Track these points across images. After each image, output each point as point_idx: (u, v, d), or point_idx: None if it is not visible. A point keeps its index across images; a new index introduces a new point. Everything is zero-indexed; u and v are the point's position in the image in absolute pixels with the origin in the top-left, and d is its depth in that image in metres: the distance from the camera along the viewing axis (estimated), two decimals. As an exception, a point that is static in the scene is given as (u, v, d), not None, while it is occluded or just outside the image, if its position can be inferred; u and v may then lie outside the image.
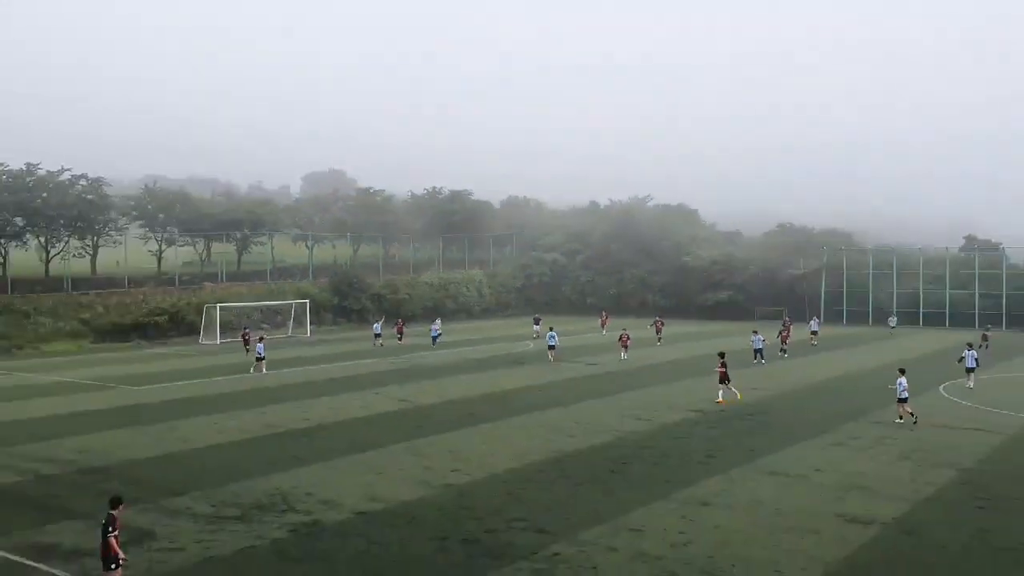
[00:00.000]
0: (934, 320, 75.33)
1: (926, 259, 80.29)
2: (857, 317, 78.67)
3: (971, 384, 37.25)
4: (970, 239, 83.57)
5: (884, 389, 37.41)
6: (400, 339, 58.48)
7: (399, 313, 77.27)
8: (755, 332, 48.84)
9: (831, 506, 19.82)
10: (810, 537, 17.64)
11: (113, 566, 13.72)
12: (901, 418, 29.36)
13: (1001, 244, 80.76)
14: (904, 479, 22.20)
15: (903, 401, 29.45)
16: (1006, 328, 71.47)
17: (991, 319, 73.05)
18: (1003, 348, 55.39)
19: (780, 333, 53.20)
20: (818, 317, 68.38)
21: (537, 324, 64.77)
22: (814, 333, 58.56)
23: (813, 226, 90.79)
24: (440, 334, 59.26)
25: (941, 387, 38.27)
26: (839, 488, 21.37)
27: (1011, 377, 42.34)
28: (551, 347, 48.06)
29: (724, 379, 34.23)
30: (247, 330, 56.00)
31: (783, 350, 50.96)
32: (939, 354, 52.34)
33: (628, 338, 49.97)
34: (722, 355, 34.95)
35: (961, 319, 74.21)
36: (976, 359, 38.21)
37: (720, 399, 33.71)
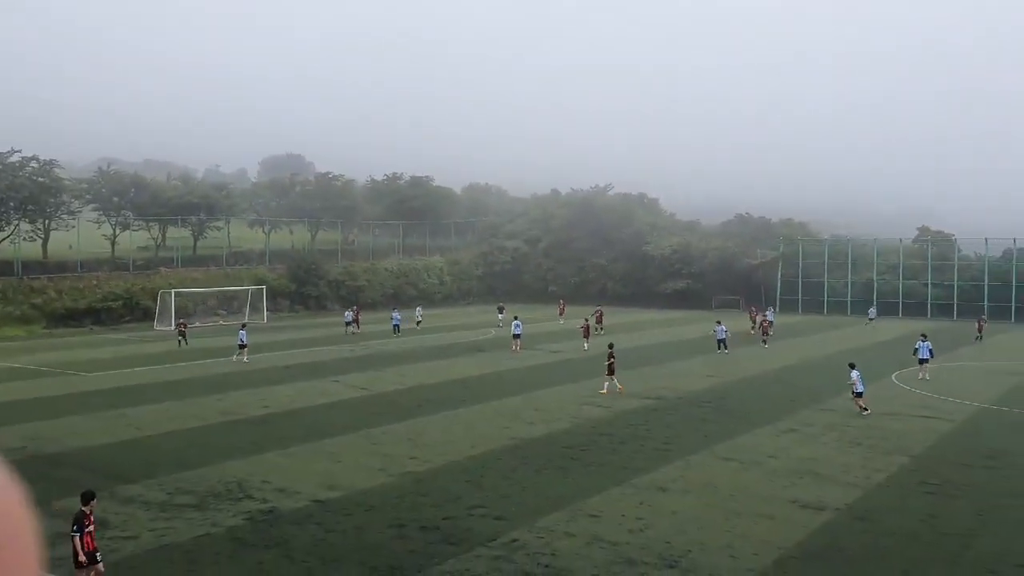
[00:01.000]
0: (887, 310, 76.51)
1: (880, 249, 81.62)
2: (812, 306, 79.74)
3: (925, 375, 37.33)
4: (923, 230, 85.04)
5: (837, 377, 38.00)
6: (357, 328, 57.63)
7: (357, 300, 76.92)
8: (719, 323, 48.57)
9: (784, 492, 20.12)
10: (764, 522, 17.89)
11: (82, 564, 13.36)
12: (866, 410, 29.06)
13: (953, 235, 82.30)
14: (855, 465, 22.59)
15: (859, 395, 29.43)
16: (956, 318, 72.90)
17: (943, 309, 74.56)
18: (953, 337, 56.51)
19: (761, 324, 53.40)
20: (773, 307, 69.28)
21: (501, 313, 64.70)
22: (769, 323, 58.97)
23: (770, 216, 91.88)
24: (420, 320, 61.42)
25: (893, 375, 38.96)
26: (792, 474, 21.70)
27: (960, 366, 43.22)
28: (516, 336, 47.38)
29: (611, 371, 33.28)
30: (183, 322, 53.52)
31: (764, 340, 50.86)
32: (892, 343, 53.28)
33: (590, 327, 50.17)
34: (611, 346, 34.32)
35: (914, 309, 75.60)
36: (930, 350, 38.13)
37: (603, 390, 32.87)
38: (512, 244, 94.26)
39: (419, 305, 69.41)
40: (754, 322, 57.75)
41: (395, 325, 56.36)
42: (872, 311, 69.02)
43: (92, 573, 13.49)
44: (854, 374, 29.61)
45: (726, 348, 46.25)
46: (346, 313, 59.57)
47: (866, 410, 29.02)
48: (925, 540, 16.90)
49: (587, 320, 51.70)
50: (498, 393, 33.33)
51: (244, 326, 46.19)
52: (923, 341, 38.26)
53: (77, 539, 13.35)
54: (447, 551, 16.07)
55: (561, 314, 68.55)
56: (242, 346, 43.28)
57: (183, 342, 48.96)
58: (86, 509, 13.67)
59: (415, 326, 60.23)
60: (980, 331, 55.60)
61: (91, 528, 13.61)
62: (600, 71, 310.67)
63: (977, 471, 22.16)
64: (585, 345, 47.47)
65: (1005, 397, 33.56)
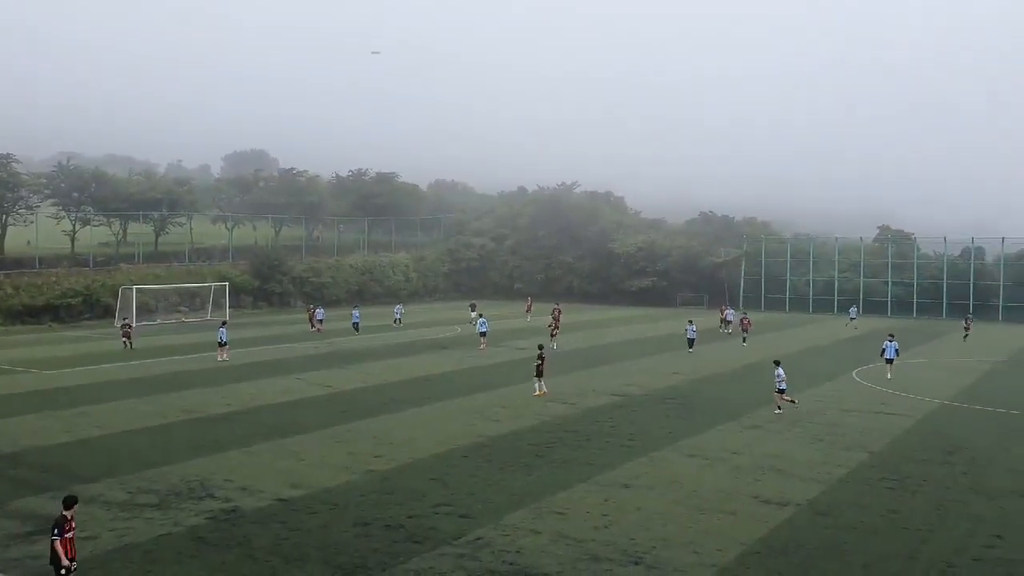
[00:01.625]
0: (848, 307, 77.39)
1: (841, 248, 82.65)
2: (774, 304, 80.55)
3: (890, 375, 37.42)
4: (884, 229, 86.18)
5: (800, 373, 38.44)
6: (311, 327, 56.38)
7: (322, 297, 76.40)
8: (690, 322, 48.45)
9: (747, 488, 20.30)
10: (727, 518, 18.03)
11: (63, 572, 12.94)
12: (780, 408, 29.31)
13: (913, 234, 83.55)
14: (817, 461, 22.85)
15: (781, 392, 29.51)
16: (916, 315, 74.01)
17: (903, 307, 75.63)
18: (913, 335, 57.33)
19: (741, 322, 53.40)
20: (731, 307, 68.98)
21: (473, 311, 64.21)
22: (728, 322, 58.96)
23: (734, 215, 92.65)
24: (400, 319, 61.03)
25: (854, 372, 39.45)
26: (755, 470, 21.89)
27: (920, 363, 43.85)
28: (482, 334, 47.31)
29: (540, 372, 32.38)
30: (127, 321, 49.99)
31: (744, 340, 51.03)
32: (852, 340, 53.99)
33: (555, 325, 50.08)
34: (541, 348, 33.51)
35: (874, 306, 76.62)
36: (896, 350, 38.32)
37: (537, 392, 32.01)
38: (478, 241, 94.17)
39: (399, 303, 68.60)
40: (723, 321, 58.17)
41: (354, 323, 55.38)
42: (853, 310, 68.14)
43: None
44: (779, 371, 29.66)
45: (691, 348, 46.13)
46: (317, 310, 58.49)
47: (792, 402, 29.65)
48: (885, 535, 17.12)
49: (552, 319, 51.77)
50: (464, 391, 33.28)
51: (224, 324, 44.58)
52: (890, 341, 38.52)
53: (57, 543, 12.93)
54: (412, 549, 16.01)
55: (528, 311, 68.50)
56: (222, 344, 42.23)
57: (129, 344, 45.96)
58: (67, 514, 13.22)
59: (395, 324, 59.91)
60: (967, 330, 55.88)
61: (71, 534, 13.20)
62: (565, 74, 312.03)
63: (936, 466, 22.51)
64: (554, 346, 46.77)
65: (963, 393, 34.11)
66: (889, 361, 37.94)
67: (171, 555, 15.68)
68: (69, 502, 13.49)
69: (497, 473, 21.44)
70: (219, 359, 41.61)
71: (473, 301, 70.71)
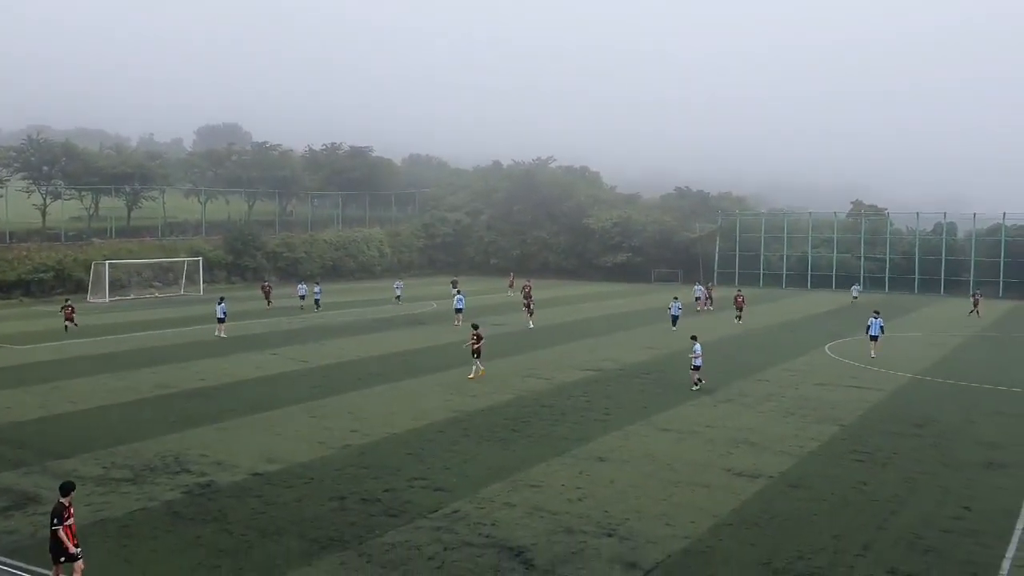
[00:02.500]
0: (821, 282, 78.21)
1: (815, 223, 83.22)
2: (748, 279, 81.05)
3: (874, 353, 36.63)
4: (857, 204, 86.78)
5: (774, 349, 38.84)
6: (268, 303, 54.32)
7: (297, 272, 76.01)
8: (675, 298, 46.98)
9: (721, 461, 20.54)
10: (700, 491, 18.25)
11: (63, 559, 12.60)
12: (700, 382, 29.13)
13: (886, 210, 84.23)
14: (789, 435, 23.14)
15: (697, 368, 29.19)
16: (888, 290, 74.78)
17: (875, 282, 76.37)
18: (885, 310, 57.81)
19: (735, 299, 51.09)
20: (703, 283, 67.56)
21: (455, 288, 63.60)
22: (698, 299, 58.17)
23: (709, 190, 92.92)
24: (400, 295, 58.42)
25: (826, 347, 39.87)
26: (728, 443, 22.14)
27: (891, 337, 44.32)
28: (458, 310, 46.92)
29: (477, 353, 31.08)
30: (69, 303, 44.84)
31: (738, 317, 49.32)
32: (825, 315, 54.54)
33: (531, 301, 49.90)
34: (476, 327, 31.90)
35: (847, 281, 77.28)
36: (881, 327, 37.39)
37: (472, 374, 30.64)
38: (453, 216, 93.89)
39: (398, 280, 66.27)
40: (710, 297, 58.01)
41: (315, 300, 53.85)
42: (856, 288, 65.79)
43: (75, 570, 12.65)
44: (696, 347, 29.34)
45: (674, 326, 44.80)
46: (299, 286, 57.69)
47: (701, 382, 29.14)
48: (855, 506, 17.40)
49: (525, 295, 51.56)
50: (440, 366, 33.32)
51: (222, 300, 43.23)
52: (875, 318, 37.70)
53: (61, 531, 12.56)
54: (388, 523, 16.09)
55: (511, 287, 68.29)
56: (221, 320, 41.58)
57: (70, 326, 42.44)
58: (65, 501, 12.87)
59: (395, 300, 58.60)
60: (976, 306, 54.67)
61: (71, 521, 12.83)
62: (541, 49, 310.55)
63: (905, 439, 22.86)
64: (530, 323, 46.64)
65: (933, 367, 34.58)
66: (874, 338, 37.10)
67: (147, 530, 15.67)
68: (67, 489, 13.12)
69: (473, 447, 21.55)
70: (216, 335, 40.96)
71: (455, 279, 70.16)
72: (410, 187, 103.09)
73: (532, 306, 48.41)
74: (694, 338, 30.08)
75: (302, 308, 53.53)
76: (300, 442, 21.85)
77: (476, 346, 31.06)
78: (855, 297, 63.89)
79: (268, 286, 57.45)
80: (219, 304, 42.33)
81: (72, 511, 13.02)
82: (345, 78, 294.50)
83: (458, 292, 49.94)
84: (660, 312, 53.64)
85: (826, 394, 28.78)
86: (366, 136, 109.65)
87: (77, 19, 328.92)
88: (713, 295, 58.51)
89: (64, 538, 12.59)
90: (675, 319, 45.47)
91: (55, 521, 12.66)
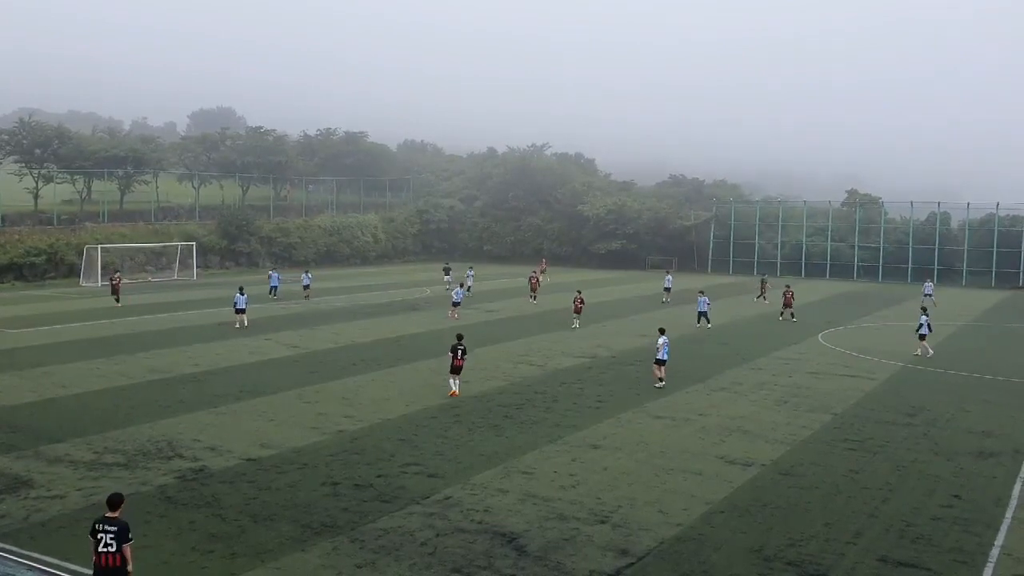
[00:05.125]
0: (815, 271, 78.39)
1: (810, 212, 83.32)
2: (743, 268, 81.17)
3: (920, 351, 34.82)
4: (852, 193, 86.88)
5: (768, 336, 38.90)
6: (117, 301, 46.84)
7: (291, 258, 75.86)
8: (701, 293, 43.77)
9: (713, 448, 20.60)
10: (693, 478, 18.31)
11: None
12: (662, 380, 27.54)
13: (881, 199, 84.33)
14: (781, 423, 23.21)
15: (661, 363, 27.66)
16: (882, 279, 74.97)
17: (869, 271, 76.57)
18: (878, 298, 58.12)
19: (785, 293, 46.54)
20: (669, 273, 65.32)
21: (447, 274, 63.44)
22: (668, 290, 55.05)
23: (703, 178, 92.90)
24: (470, 286, 52.24)
25: (820, 336, 39.96)
26: (721, 431, 22.20)
27: (885, 326, 44.50)
28: (455, 304, 44.64)
29: (456, 371, 26.07)
30: (118, 274, 46.65)
31: (788, 312, 45.49)
32: (818, 304, 54.61)
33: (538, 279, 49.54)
34: (460, 337, 26.67)
35: (841, 271, 77.53)
36: (930, 325, 35.55)
37: (451, 391, 25.93)
38: (448, 203, 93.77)
39: (470, 267, 61.52)
40: (765, 291, 54.48)
41: (272, 287, 51.41)
42: (929, 285, 57.31)
43: None
44: (661, 340, 27.89)
45: (708, 322, 41.83)
46: (304, 276, 53.47)
47: (661, 381, 27.52)
48: (847, 494, 17.47)
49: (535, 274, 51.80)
50: (433, 352, 33.30)
51: (242, 289, 40.68)
52: (924, 316, 35.89)
53: (127, 548, 11.28)
54: (381, 508, 16.11)
55: (543, 272, 68.12)
56: (239, 311, 39.27)
57: (118, 301, 44.28)
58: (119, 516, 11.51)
59: (466, 291, 51.29)
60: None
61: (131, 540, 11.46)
62: (533, 37, 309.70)
63: (897, 428, 22.94)
64: (532, 299, 45.79)
65: (925, 357, 34.65)
66: (922, 337, 34.96)
67: (140, 514, 15.65)
68: (115, 503, 11.63)
69: (466, 434, 21.58)
70: (237, 327, 38.79)
71: (447, 264, 69.88)
72: (405, 173, 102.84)
73: (580, 306, 41.79)
74: (662, 331, 28.69)
75: (307, 299, 51.31)
76: (293, 427, 21.85)
77: (459, 362, 26.00)
78: (928, 294, 54.61)
79: (118, 278, 48.66)
80: (240, 295, 39.80)
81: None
82: (341, 65, 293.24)
83: (461, 285, 47.83)
84: (654, 299, 53.83)
85: (819, 383, 28.86)
86: (361, 123, 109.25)
87: (69, 3, 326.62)
88: (767, 291, 54.24)
89: (128, 556, 11.36)
90: (702, 315, 41.98)
91: (128, 537, 11.32)
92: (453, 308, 44.53)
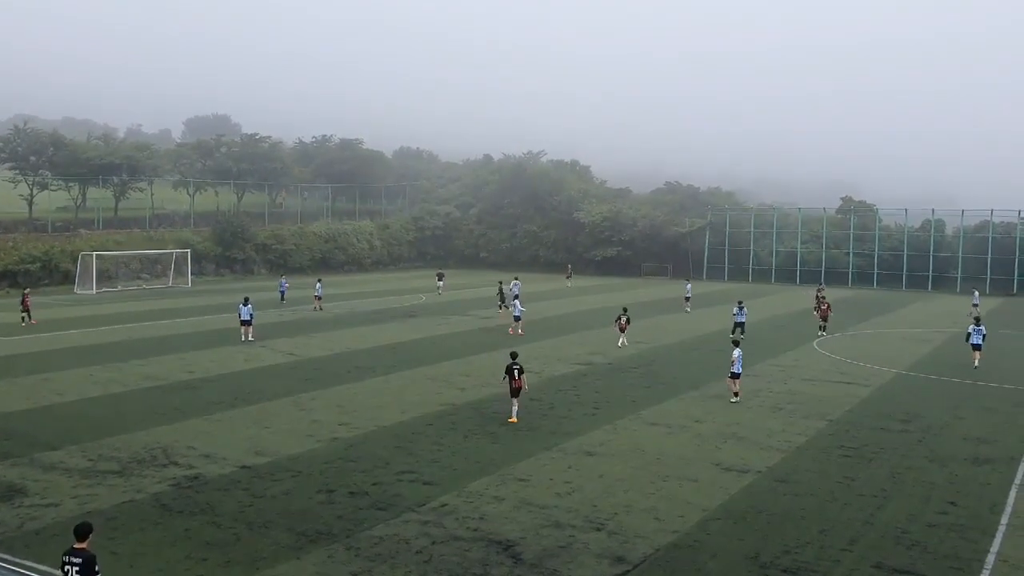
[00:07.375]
0: (810, 278, 78.43)
1: (804, 219, 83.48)
2: (737, 274, 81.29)
3: (977, 363, 33.51)
4: (847, 200, 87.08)
5: (763, 343, 38.90)
6: (27, 319, 42.19)
7: (286, 264, 75.81)
8: (740, 303, 42.57)
9: (709, 455, 20.59)
10: (688, 485, 18.30)
11: None
12: (737, 395, 26.68)
13: (875, 206, 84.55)
14: (777, 430, 23.21)
15: (736, 376, 26.77)
16: (877, 286, 75.08)
17: (864, 278, 76.70)
18: (873, 305, 58.16)
19: (820, 306, 45.05)
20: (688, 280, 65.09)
21: (440, 280, 63.53)
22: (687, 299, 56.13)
23: (698, 185, 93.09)
24: (517, 295, 47.71)
25: (815, 343, 39.98)
26: (717, 438, 22.20)
27: (880, 333, 44.54)
28: (517, 318, 41.78)
29: (516, 392, 23.73)
30: (27, 293, 43.62)
31: (822, 327, 43.26)
32: (814, 311, 54.53)
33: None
34: (514, 355, 24.58)
35: (835, 278, 77.63)
36: (984, 335, 34.12)
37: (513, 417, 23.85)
38: (444, 209, 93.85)
39: (515, 277, 57.84)
40: (822, 299, 50.01)
41: (280, 292, 51.76)
42: (976, 297, 55.82)
43: None
44: (736, 352, 26.90)
45: (743, 332, 40.30)
46: (316, 285, 51.29)
47: (737, 396, 26.74)
48: (842, 501, 17.47)
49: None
50: (429, 359, 33.30)
51: (247, 301, 38.43)
52: (976, 325, 34.53)
53: None
54: (376, 516, 16.08)
55: (568, 278, 67.66)
56: (245, 323, 37.65)
57: (27, 319, 41.66)
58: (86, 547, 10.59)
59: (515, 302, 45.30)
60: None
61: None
62: (532, 46, 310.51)
63: (892, 435, 22.95)
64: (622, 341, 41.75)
65: (920, 363, 34.74)
66: (976, 347, 33.83)
67: (134, 522, 15.62)
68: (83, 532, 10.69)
69: (461, 441, 21.55)
70: (243, 339, 37.35)
71: (440, 271, 70.04)
72: (400, 180, 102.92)
73: (625, 325, 38.31)
74: (736, 343, 27.89)
75: (319, 309, 49.65)
76: (288, 435, 21.81)
77: (518, 383, 23.76)
78: (975, 304, 53.44)
79: (27, 296, 43.63)
80: (244, 306, 37.87)
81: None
82: (336, 72, 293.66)
83: (516, 298, 44.64)
84: (649, 306, 53.87)
85: (814, 389, 28.88)
86: (357, 129, 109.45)
87: (65, 9, 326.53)
88: (822, 297, 50.10)
89: None
90: (739, 325, 40.92)
91: (97, 570, 10.44)
92: (516, 323, 41.72)
